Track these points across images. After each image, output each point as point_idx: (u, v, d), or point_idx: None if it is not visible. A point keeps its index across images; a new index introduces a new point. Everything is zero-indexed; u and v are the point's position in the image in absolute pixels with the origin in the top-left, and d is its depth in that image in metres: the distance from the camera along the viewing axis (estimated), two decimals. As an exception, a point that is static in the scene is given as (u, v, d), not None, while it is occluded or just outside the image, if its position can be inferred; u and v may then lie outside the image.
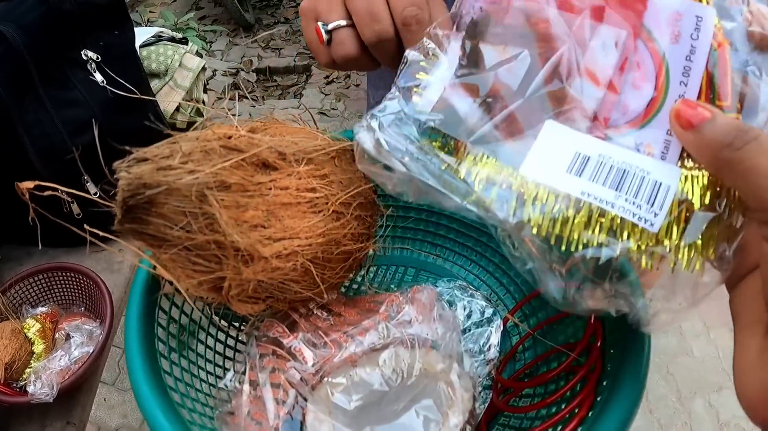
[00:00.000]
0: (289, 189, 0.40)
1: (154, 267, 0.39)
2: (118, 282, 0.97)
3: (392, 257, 0.68)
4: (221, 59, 3.44)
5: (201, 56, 1.46)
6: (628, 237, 0.32)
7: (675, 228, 0.32)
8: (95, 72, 0.90)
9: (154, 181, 0.35)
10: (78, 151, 0.88)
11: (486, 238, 0.63)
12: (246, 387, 0.46)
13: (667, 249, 0.32)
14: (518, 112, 0.35)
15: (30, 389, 0.74)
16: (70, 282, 0.91)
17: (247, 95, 2.88)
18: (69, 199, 0.92)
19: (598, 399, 0.41)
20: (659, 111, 0.34)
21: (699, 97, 0.33)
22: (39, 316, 0.85)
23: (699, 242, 0.31)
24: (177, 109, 1.35)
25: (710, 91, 0.33)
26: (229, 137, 0.39)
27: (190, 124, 1.41)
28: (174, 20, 2.76)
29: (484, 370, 0.51)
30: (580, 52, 0.35)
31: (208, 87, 1.53)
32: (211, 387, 0.51)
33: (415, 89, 0.37)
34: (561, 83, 0.35)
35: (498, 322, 0.56)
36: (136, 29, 1.04)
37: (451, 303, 0.57)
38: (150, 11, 3.55)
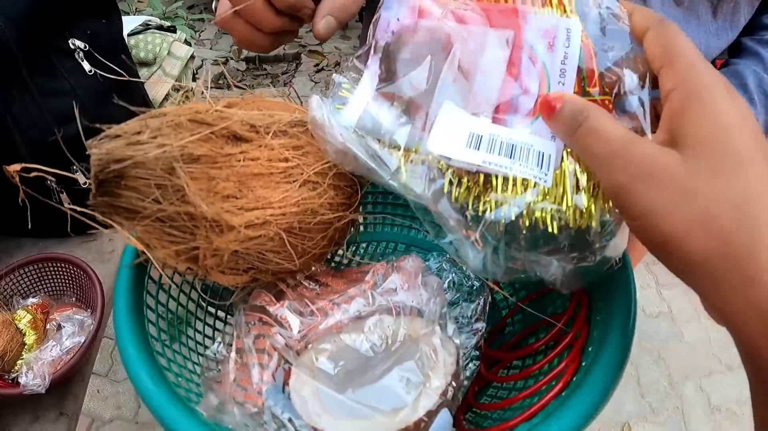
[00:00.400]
0: (260, 160, 0.40)
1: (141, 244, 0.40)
2: (109, 272, 0.96)
3: (382, 233, 0.68)
4: (210, 48, 3.42)
5: (189, 44, 1.44)
6: (527, 194, 0.38)
7: (564, 189, 0.38)
8: (83, 61, 0.90)
9: (124, 156, 0.36)
10: (60, 134, 0.88)
11: None
12: (233, 354, 0.46)
13: (562, 206, 0.38)
14: (428, 107, 0.41)
15: (22, 380, 0.74)
16: (61, 273, 0.90)
17: (236, 84, 2.86)
18: (58, 189, 0.91)
19: (583, 364, 0.41)
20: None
21: (574, 91, 0.40)
22: (30, 307, 0.85)
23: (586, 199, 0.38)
24: (166, 98, 1.34)
25: (581, 82, 0.40)
26: (198, 112, 0.39)
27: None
28: (162, 9, 2.73)
29: (471, 341, 0.51)
30: (478, 52, 0.41)
31: (197, 76, 1.52)
32: (199, 356, 0.51)
33: (338, 107, 0.43)
34: (463, 80, 0.41)
35: (486, 294, 0.56)
36: (123, 18, 1.03)
37: (439, 277, 0.57)
38: (138, 0, 3.51)
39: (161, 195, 0.37)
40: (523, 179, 0.38)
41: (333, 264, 0.64)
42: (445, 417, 0.42)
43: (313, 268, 0.51)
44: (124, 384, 1.85)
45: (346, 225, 0.49)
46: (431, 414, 0.41)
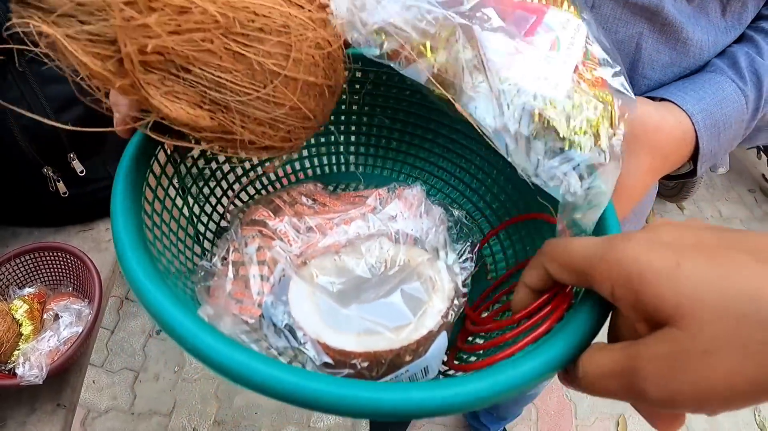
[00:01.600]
0: None
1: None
2: (106, 262, 0.96)
3: (374, 176, 0.67)
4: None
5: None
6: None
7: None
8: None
9: None
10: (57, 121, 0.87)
11: (474, 146, 0.63)
12: (229, 268, 0.46)
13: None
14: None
15: (19, 371, 0.73)
16: (58, 262, 0.89)
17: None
18: (55, 177, 0.90)
19: (574, 302, 0.41)
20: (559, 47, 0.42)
21: (580, 60, 0.42)
22: (26, 297, 0.84)
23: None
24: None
25: (585, 58, 0.43)
26: None
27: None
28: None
29: (462, 277, 0.51)
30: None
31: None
32: (191, 262, 0.49)
33: None
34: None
35: (476, 236, 0.57)
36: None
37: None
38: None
39: None
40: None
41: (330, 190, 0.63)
42: (443, 338, 0.43)
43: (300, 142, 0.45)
44: (120, 375, 1.84)
45: (312, 44, 0.40)
46: (432, 334, 0.42)
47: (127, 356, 1.89)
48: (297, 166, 0.64)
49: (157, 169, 0.46)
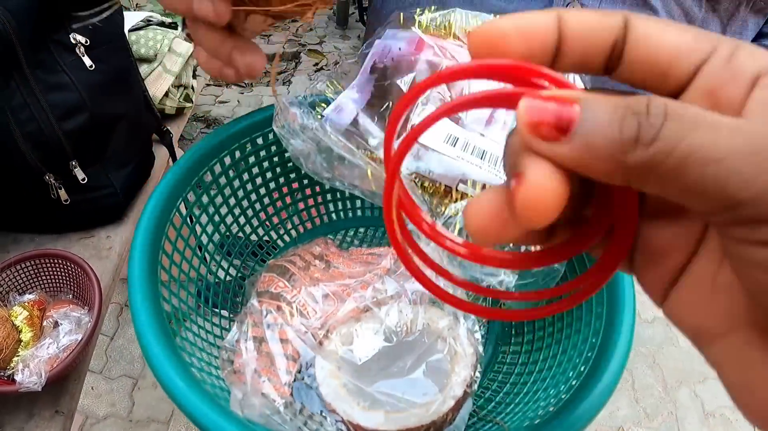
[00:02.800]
0: None
1: None
2: (106, 269, 0.96)
3: (381, 220, 0.68)
4: (210, 45, 3.41)
5: (191, 41, 1.44)
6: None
7: None
8: (84, 56, 0.89)
9: None
10: (60, 129, 0.87)
11: None
12: (250, 344, 0.46)
13: None
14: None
15: (18, 377, 0.74)
16: (58, 269, 0.89)
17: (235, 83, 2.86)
18: (57, 185, 0.90)
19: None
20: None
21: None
22: (26, 304, 0.84)
23: None
24: (166, 94, 1.34)
25: None
26: None
27: (179, 110, 1.40)
28: (162, 5, 2.72)
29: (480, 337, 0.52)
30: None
31: (197, 72, 1.52)
32: (215, 348, 0.50)
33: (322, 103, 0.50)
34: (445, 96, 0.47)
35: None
36: (125, 13, 1.02)
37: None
38: (138, -4, 3.50)
39: None
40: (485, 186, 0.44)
41: (337, 242, 0.64)
42: (469, 403, 0.44)
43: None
44: (119, 382, 1.84)
45: None
46: (459, 403, 0.42)
47: (126, 363, 1.89)
48: (304, 215, 0.64)
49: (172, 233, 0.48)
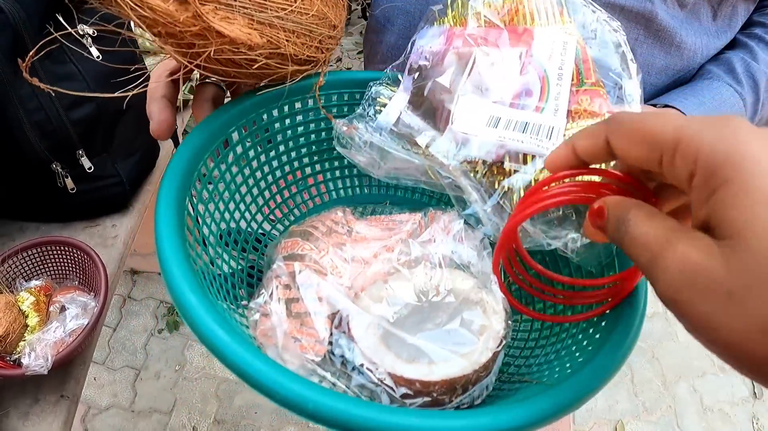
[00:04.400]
0: None
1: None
2: (112, 257, 0.97)
3: (402, 199, 0.67)
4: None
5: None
6: (536, 162, 0.45)
7: None
8: (91, 47, 0.90)
9: None
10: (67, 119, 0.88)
11: None
12: (278, 306, 0.46)
13: None
14: (450, 107, 0.50)
15: (24, 361, 0.75)
16: (64, 256, 0.91)
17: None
18: (63, 173, 0.91)
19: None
20: (546, 103, 0.48)
21: (572, 83, 0.48)
22: (33, 289, 0.85)
23: None
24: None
25: (579, 75, 0.48)
26: None
27: (184, 102, 1.41)
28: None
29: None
30: (497, 64, 0.50)
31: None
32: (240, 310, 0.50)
33: (379, 108, 0.53)
34: (480, 83, 0.50)
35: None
36: (131, 5, 1.03)
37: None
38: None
39: None
40: (532, 155, 0.45)
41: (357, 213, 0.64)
42: (501, 358, 0.45)
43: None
44: (121, 373, 1.85)
45: None
46: (496, 355, 0.43)
47: (129, 354, 1.91)
48: (323, 188, 0.65)
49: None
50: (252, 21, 0.43)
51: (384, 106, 0.53)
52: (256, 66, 0.45)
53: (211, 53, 0.42)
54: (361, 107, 0.55)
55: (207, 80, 0.51)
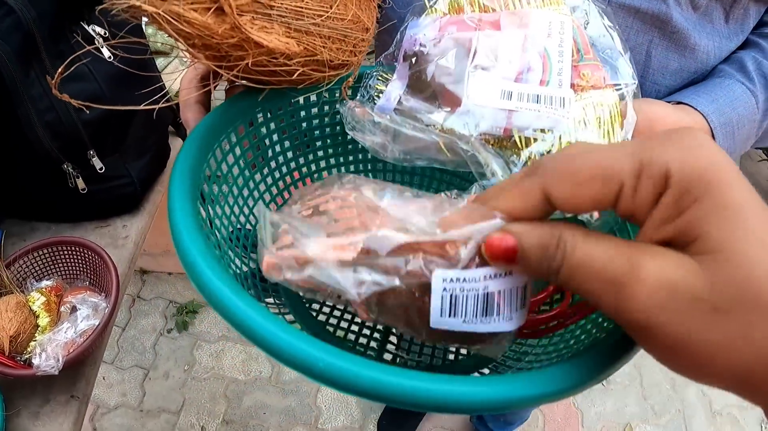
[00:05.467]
0: None
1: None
2: (123, 258, 0.97)
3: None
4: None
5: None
6: (555, 129, 0.46)
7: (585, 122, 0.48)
8: (102, 47, 0.90)
9: None
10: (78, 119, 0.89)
11: None
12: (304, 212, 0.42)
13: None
14: (458, 87, 0.50)
15: (35, 361, 0.75)
16: (75, 256, 0.91)
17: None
18: (75, 174, 0.92)
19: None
20: (550, 79, 0.49)
21: (573, 58, 0.49)
22: (44, 290, 0.86)
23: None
24: (181, 87, 1.35)
25: (578, 53, 0.50)
26: None
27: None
28: None
29: None
30: (495, 42, 0.51)
31: (211, 66, 1.52)
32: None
33: (377, 95, 0.53)
34: (485, 64, 0.50)
35: None
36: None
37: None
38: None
39: None
40: (542, 129, 0.47)
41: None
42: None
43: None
44: (130, 372, 1.86)
45: None
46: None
47: (138, 354, 1.91)
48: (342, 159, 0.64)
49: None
50: (289, 29, 0.43)
51: (381, 92, 0.53)
52: (295, 75, 0.45)
53: (249, 63, 0.42)
54: (359, 95, 0.55)
55: (236, 83, 0.51)
